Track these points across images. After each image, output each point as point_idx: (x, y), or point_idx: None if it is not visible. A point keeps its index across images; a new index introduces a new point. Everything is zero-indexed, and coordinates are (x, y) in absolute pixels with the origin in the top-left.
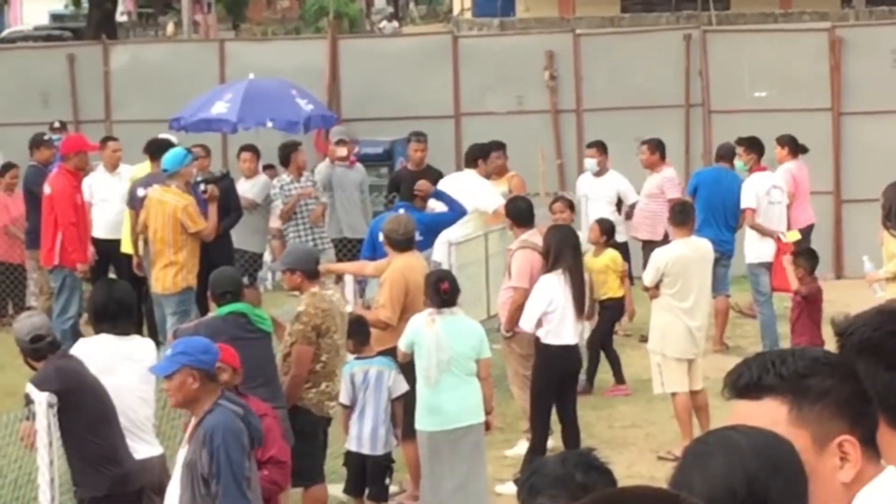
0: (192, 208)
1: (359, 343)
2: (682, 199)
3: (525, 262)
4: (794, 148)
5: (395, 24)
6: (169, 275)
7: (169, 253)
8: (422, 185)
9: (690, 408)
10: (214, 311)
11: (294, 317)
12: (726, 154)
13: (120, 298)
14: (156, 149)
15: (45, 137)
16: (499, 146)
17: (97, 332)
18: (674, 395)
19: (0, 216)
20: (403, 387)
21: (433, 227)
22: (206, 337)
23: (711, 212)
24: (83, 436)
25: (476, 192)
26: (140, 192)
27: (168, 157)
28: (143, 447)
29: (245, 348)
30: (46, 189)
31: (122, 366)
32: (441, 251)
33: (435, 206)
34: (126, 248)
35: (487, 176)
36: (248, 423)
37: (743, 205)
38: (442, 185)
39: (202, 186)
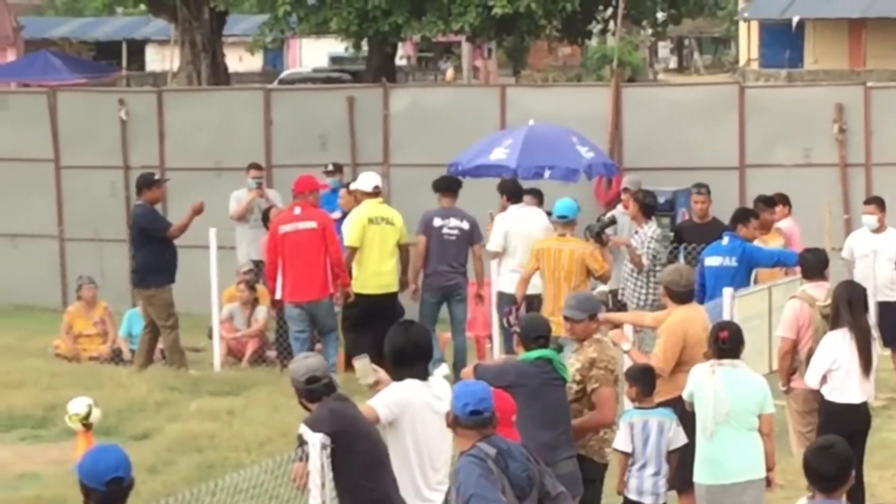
0: (597, 253)
1: (642, 392)
2: None
3: (791, 312)
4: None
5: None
6: None
7: None
8: None
9: None
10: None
11: (587, 363)
12: None
13: (417, 342)
14: (448, 185)
15: (156, 177)
16: (768, 202)
17: (396, 378)
18: None
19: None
20: (682, 439)
21: (758, 260)
22: (514, 379)
23: None
24: (356, 479)
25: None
26: (437, 221)
27: (568, 206)
28: (437, 497)
29: (550, 394)
30: (310, 224)
31: (428, 410)
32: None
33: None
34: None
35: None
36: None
37: None
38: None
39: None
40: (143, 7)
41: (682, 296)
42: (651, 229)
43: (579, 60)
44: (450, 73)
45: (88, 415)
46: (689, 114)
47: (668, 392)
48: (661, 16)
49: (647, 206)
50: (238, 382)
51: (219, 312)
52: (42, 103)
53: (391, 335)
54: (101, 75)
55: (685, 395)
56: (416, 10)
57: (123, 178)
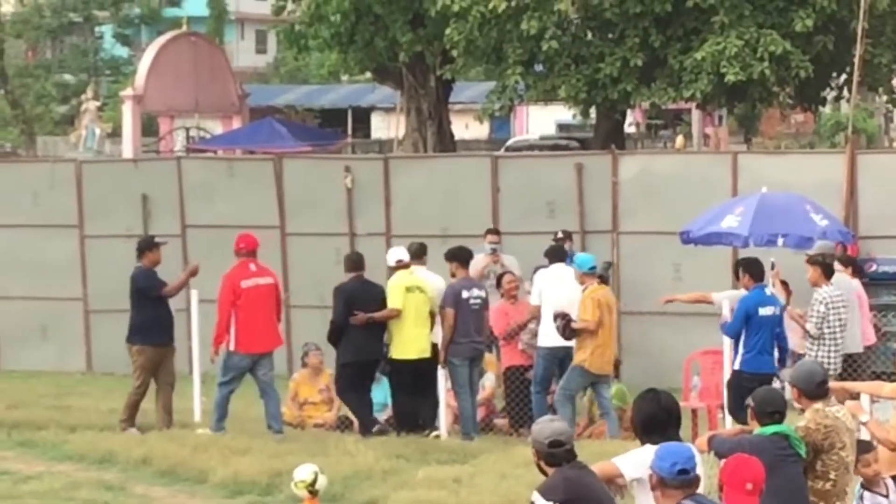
0: None
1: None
2: None
3: None
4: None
5: None
6: None
7: None
8: None
9: None
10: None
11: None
12: None
13: (668, 408)
14: (464, 255)
15: (156, 241)
16: None
17: (644, 443)
18: None
19: (499, 322)
20: None
21: None
22: (749, 452)
23: None
24: None
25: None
26: (464, 294)
27: (592, 258)
28: None
29: (786, 470)
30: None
31: None
32: None
33: None
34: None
35: None
36: None
37: None
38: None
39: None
40: (368, 75)
41: None
42: (824, 293)
43: (812, 127)
44: (680, 140)
45: (314, 482)
46: None
47: None
48: None
49: (829, 268)
50: (465, 450)
51: (445, 381)
52: (268, 170)
53: (641, 402)
54: (326, 143)
55: None
56: (645, 78)
57: (349, 246)
